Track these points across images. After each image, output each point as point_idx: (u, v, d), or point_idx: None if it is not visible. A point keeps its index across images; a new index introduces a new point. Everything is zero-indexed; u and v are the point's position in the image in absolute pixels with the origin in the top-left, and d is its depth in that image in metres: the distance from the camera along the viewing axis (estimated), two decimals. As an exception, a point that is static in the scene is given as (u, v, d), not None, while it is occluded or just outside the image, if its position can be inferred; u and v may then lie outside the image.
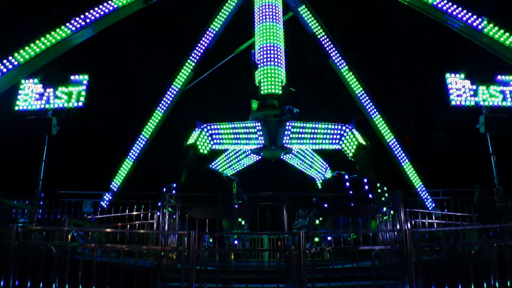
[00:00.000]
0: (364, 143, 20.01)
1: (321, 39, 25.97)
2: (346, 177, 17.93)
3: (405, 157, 25.07)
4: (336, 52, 25.84)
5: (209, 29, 25.89)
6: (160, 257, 10.62)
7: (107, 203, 20.09)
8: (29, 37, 19.14)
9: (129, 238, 13.58)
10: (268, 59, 21.83)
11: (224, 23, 26.14)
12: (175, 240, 13.40)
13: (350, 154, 19.73)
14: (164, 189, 16.62)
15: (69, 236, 10.43)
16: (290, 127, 20.29)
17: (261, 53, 22.09)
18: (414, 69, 36.06)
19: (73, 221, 14.82)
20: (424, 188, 24.43)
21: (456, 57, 30.40)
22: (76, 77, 18.29)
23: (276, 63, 21.86)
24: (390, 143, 25.05)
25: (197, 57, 25.72)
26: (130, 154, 24.70)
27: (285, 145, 20.46)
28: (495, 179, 17.21)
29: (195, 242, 9.35)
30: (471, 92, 18.46)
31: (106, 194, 21.42)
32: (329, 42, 25.91)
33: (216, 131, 19.97)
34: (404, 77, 36.87)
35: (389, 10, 32.08)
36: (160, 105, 25.32)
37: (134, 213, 14.35)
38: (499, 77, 18.74)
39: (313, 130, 20.19)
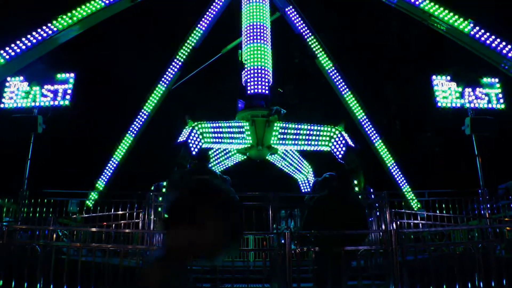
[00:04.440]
0: (353, 145, 20.02)
1: (308, 40, 26.02)
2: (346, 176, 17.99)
3: (390, 158, 25.18)
4: (323, 52, 25.90)
5: (196, 28, 25.87)
6: (145, 257, 10.59)
7: (93, 202, 20.00)
8: (15, 34, 19.03)
9: (114, 237, 13.54)
10: (255, 59, 21.79)
11: (212, 22, 26.12)
12: (161, 239, 13.37)
13: (340, 156, 19.73)
14: (153, 188, 16.59)
15: (54, 236, 10.38)
16: (278, 128, 20.27)
17: (248, 52, 22.02)
18: (401, 70, 36.26)
19: (59, 220, 14.75)
20: (409, 189, 24.55)
21: (442, 59, 30.61)
22: (63, 75, 18.21)
23: (263, 63, 21.83)
24: (376, 144, 25.15)
25: (184, 57, 25.69)
26: (116, 153, 24.61)
27: (273, 145, 20.45)
28: (481, 181, 17.36)
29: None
30: (457, 94, 18.61)
31: (92, 193, 21.32)
32: (316, 43, 25.96)
33: (207, 130, 19.82)
34: (391, 79, 37.07)
35: (376, 12, 32.25)
36: (147, 104, 25.27)
37: (120, 212, 14.31)
38: (484, 79, 18.91)
39: (302, 131, 20.10)
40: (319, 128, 20.00)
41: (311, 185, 18.97)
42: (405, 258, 9.56)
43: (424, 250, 11.24)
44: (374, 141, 25.05)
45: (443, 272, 9.21)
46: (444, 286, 9.07)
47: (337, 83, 25.65)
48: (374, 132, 25.08)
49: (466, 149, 18.97)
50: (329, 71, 25.75)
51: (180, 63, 25.64)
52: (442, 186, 16.38)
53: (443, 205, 15.42)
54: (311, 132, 19.93)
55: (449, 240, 15.09)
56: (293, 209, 18.58)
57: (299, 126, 20.08)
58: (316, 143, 19.93)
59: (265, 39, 22.13)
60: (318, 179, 17.38)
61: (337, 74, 25.67)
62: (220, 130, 19.86)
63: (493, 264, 9.12)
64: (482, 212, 15.44)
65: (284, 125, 20.15)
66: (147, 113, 25.28)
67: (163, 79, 25.55)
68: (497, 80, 18.92)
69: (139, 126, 25.06)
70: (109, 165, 24.40)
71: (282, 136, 20.02)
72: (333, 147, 19.71)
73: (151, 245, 12.36)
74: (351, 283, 9.34)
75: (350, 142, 19.72)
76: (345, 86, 25.56)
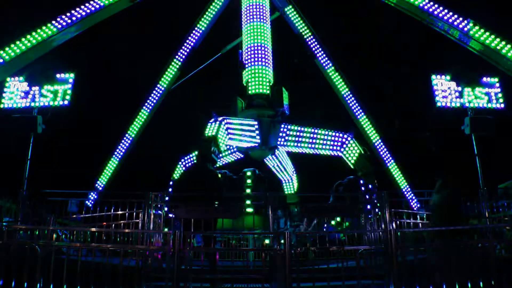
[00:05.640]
0: (363, 152, 20.21)
1: (307, 39, 26.02)
2: (361, 181, 18.21)
3: (390, 158, 25.21)
4: (322, 52, 25.90)
5: (196, 28, 25.87)
6: (145, 257, 10.58)
7: (93, 202, 19.99)
8: (14, 35, 19.03)
9: (114, 237, 13.53)
10: (256, 59, 21.81)
11: (211, 22, 26.13)
12: (160, 239, 13.36)
13: (352, 161, 19.91)
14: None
15: (54, 236, 10.37)
16: (285, 129, 20.35)
17: (249, 53, 22.06)
18: (400, 70, 36.25)
19: (58, 220, 14.73)
20: (409, 189, 24.57)
21: (442, 58, 30.61)
22: (62, 75, 18.18)
23: (264, 63, 21.85)
24: (376, 144, 25.19)
25: (184, 57, 25.71)
26: (116, 153, 24.62)
27: (279, 146, 20.54)
28: (480, 180, 17.34)
29: (180, 241, 9.33)
30: (457, 94, 18.58)
31: (92, 193, 21.31)
32: (316, 43, 25.97)
33: (230, 126, 19.81)
34: (390, 78, 37.06)
35: (375, 11, 32.23)
36: (146, 104, 25.28)
37: (119, 212, 14.29)
38: (484, 79, 18.88)
39: (312, 135, 20.27)
40: (331, 133, 20.17)
41: (333, 187, 19.06)
42: (404, 258, 9.56)
43: (423, 250, 11.23)
44: (373, 140, 25.09)
45: (443, 272, 9.20)
46: (444, 286, 9.07)
47: (337, 83, 25.67)
48: (374, 131, 25.12)
49: (466, 148, 18.94)
50: (328, 70, 25.76)
51: (179, 63, 25.65)
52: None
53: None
54: (322, 137, 20.15)
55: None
56: (288, 209, 18.57)
57: (311, 130, 20.27)
58: (327, 147, 20.18)
59: (265, 38, 22.19)
60: (341, 182, 17.70)
61: (337, 73, 25.69)
62: (234, 127, 19.91)
63: (493, 263, 9.11)
64: (482, 211, 15.42)
65: (292, 127, 20.29)
66: (146, 113, 25.30)
67: (162, 78, 25.57)
68: (496, 79, 18.89)
69: (138, 126, 25.08)
70: (108, 165, 24.42)
71: (290, 138, 20.16)
72: (345, 152, 19.95)
73: (150, 245, 12.35)
74: (349, 283, 9.34)
75: (361, 149, 19.95)
76: (345, 86, 25.58)
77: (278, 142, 20.34)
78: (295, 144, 20.34)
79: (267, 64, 21.94)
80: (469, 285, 9.11)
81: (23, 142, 17.48)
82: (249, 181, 19.42)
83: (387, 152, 25.32)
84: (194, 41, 25.87)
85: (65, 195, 15.98)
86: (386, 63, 36.92)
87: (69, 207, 17.02)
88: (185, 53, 25.82)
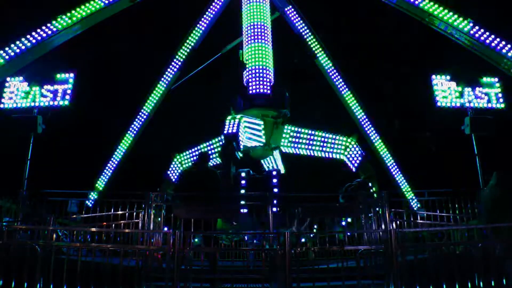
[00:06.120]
0: (367, 155, 20.39)
1: (307, 39, 26.02)
2: (370, 184, 18.36)
3: (390, 158, 25.21)
4: (322, 52, 25.91)
5: (196, 28, 25.86)
6: (145, 257, 10.58)
7: (93, 202, 19.99)
8: (14, 34, 19.03)
9: (113, 237, 13.53)
10: (256, 58, 21.75)
11: (211, 22, 26.11)
12: (160, 239, 13.35)
13: (356, 165, 20.01)
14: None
15: (54, 236, 10.37)
16: (288, 131, 20.41)
17: (249, 52, 21.96)
18: (400, 69, 36.23)
19: (58, 220, 14.73)
20: (409, 189, 24.57)
21: (442, 58, 30.59)
22: (62, 75, 18.19)
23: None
24: (376, 144, 25.20)
25: (184, 57, 25.70)
26: (116, 153, 24.63)
27: (282, 147, 20.58)
28: (480, 180, 17.35)
29: (180, 241, 9.33)
30: (457, 94, 18.60)
31: (92, 193, 21.32)
32: (316, 43, 25.96)
33: (246, 124, 19.86)
34: (390, 78, 37.04)
35: (375, 11, 32.21)
36: (146, 104, 25.29)
37: (119, 212, 14.28)
38: (484, 79, 18.89)
39: (315, 138, 20.40)
40: (335, 137, 20.33)
41: (343, 189, 19.10)
42: (404, 258, 9.56)
43: (424, 250, 11.23)
44: (374, 140, 25.12)
45: (443, 272, 9.20)
46: (444, 286, 9.07)
47: (337, 83, 25.68)
48: (374, 131, 25.13)
49: (466, 148, 18.94)
50: (328, 70, 25.77)
51: (179, 63, 25.65)
52: (441, 186, 16.34)
53: (443, 205, 15.40)
54: (326, 140, 20.26)
55: (449, 240, 15.08)
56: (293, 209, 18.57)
57: (313, 132, 20.36)
58: (330, 150, 20.30)
59: (266, 38, 22.11)
60: (351, 184, 17.84)
61: (337, 73, 25.69)
62: (248, 125, 19.95)
63: (493, 263, 9.11)
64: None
65: (295, 129, 20.37)
66: (146, 113, 25.32)
67: (162, 79, 25.58)
68: (496, 79, 18.90)
69: (138, 126, 25.09)
70: (109, 165, 24.43)
71: (293, 140, 20.25)
72: (348, 155, 20.05)
73: (151, 245, 12.35)
74: (349, 283, 9.34)
75: (364, 153, 20.08)
76: (345, 86, 25.59)
77: (282, 143, 20.41)
78: (299, 146, 20.45)
79: (268, 64, 21.84)
80: (469, 285, 9.12)
81: (23, 142, 17.49)
82: (243, 181, 19.34)
83: (387, 152, 25.33)
84: (194, 41, 25.86)
85: (65, 195, 15.98)
86: (386, 63, 36.90)
87: (69, 207, 17.02)
88: (185, 53, 25.81)
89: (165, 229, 13.80)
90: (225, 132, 19.13)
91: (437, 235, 16.71)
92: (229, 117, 19.77)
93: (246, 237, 17.66)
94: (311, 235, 17.80)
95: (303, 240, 17.99)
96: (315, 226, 18.06)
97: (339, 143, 20.38)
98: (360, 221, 14.76)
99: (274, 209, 13.83)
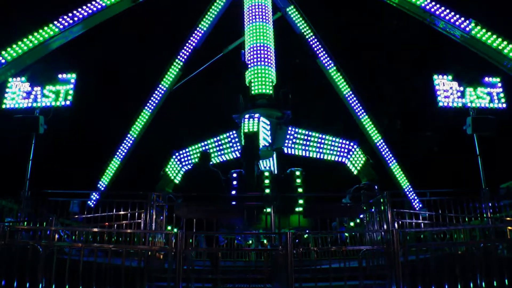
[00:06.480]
0: (368, 160, 20.53)
1: (309, 40, 26.01)
2: (376, 187, 18.61)
3: (392, 158, 25.20)
4: (324, 52, 25.89)
5: (198, 28, 25.87)
6: (147, 257, 10.57)
7: (94, 202, 20.00)
8: (16, 35, 19.03)
9: (116, 238, 13.52)
10: (259, 59, 21.79)
11: (213, 22, 26.12)
12: (163, 240, 13.36)
13: (358, 168, 20.16)
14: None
15: (56, 236, 10.37)
16: (292, 132, 20.47)
17: (251, 53, 22.03)
18: (402, 69, 36.24)
19: (60, 221, 14.73)
20: (411, 189, 24.56)
21: (444, 58, 30.58)
22: (64, 75, 18.19)
23: (266, 63, 21.83)
24: (378, 144, 25.19)
25: (185, 57, 25.71)
26: (118, 153, 24.64)
27: (285, 148, 20.61)
28: (482, 180, 17.34)
29: (182, 241, 9.33)
30: (459, 94, 18.59)
31: (94, 193, 21.32)
32: (317, 43, 25.95)
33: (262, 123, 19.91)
34: (392, 78, 37.05)
35: (377, 11, 32.22)
36: (148, 104, 25.30)
37: (121, 212, 14.27)
38: (486, 79, 18.88)
39: (319, 140, 20.50)
40: (338, 140, 20.41)
41: (350, 190, 19.11)
42: (406, 258, 9.55)
43: (426, 250, 11.22)
44: (375, 140, 25.10)
45: (445, 272, 9.19)
46: (446, 286, 9.06)
47: (338, 83, 25.67)
48: (376, 132, 25.12)
49: (468, 148, 18.94)
50: (330, 70, 25.76)
51: (181, 63, 25.66)
52: (443, 186, 16.32)
53: (445, 205, 15.37)
54: (329, 143, 20.47)
55: (451, 240, 15.05)
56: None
57: (318, 135, 20.52)
58: (334, 153, 20.37)
59: (268, 38, 22.21)
60: (359, 186, 17.99)
61: (338, 73, 25.68)
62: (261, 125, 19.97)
63: (495, 264, 9.11)
64: (484, 211, 15.39)
65: (300, 130, 20.48)
66: (148, 114, 25.33)
67: (163, 79, 25.58)
68: (498, 79, 18.89)
69: (141, 126, 25.10)
70: (110, 165, 24.44)
71: (298, 141, 20.33)
72: (351, 159, 20.11)
73: (153, 245, 12.35)
74: (351, 283, 9.33)
75: (366, 157, 20.23)
76: (346, 86, 25.57)
77: (286, 144, 20.48)
78: (303, 147, 20.55)
79: (269, 64, 21.91)
80: (471, 285, 9.11)
81: (25, 143, 17.50)
82: (235, 182, 19.20)
83: (389, 152, 25.33)
84: (196, 41, 25.87)
85: (67, 195, 15.98)
86: (388, 63, 36.92)
87: (71, 207, 17.02)
88: (187, 53, 25.82)
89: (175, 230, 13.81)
90: (245, 130, 18.84)
91: (441, 235, 16.69)
92: (246, 115, 19.62)
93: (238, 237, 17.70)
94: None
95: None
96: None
97: (342, 146, 20.60)
98: (362, 221, 14.77)
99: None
